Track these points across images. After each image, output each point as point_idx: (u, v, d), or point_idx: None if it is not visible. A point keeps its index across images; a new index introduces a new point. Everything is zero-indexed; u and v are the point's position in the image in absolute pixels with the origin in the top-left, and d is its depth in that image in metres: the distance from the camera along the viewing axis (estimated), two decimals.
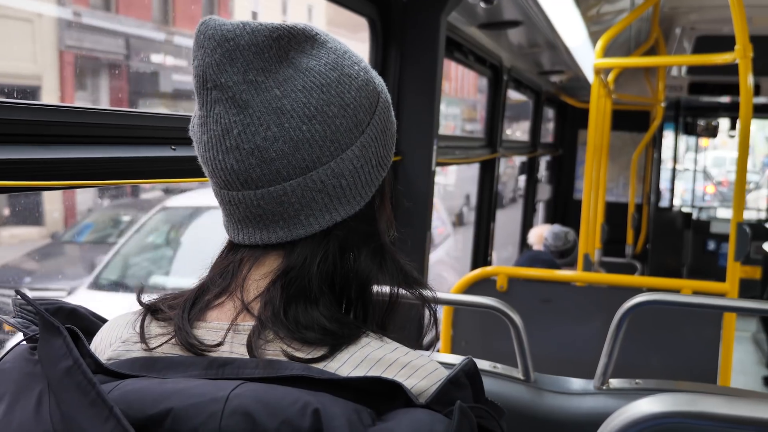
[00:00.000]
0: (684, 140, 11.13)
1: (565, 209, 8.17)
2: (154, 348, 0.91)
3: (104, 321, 1.04)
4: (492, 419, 0.86)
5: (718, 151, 20.04)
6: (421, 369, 0.87)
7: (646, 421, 0.83)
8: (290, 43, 0.92)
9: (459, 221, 14.40)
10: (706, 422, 0.80)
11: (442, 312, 3.03)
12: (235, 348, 0.88)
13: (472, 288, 3.15)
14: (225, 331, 0.90)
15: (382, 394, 0.80)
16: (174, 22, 9.13)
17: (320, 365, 0.85)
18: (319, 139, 0.90)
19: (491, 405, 0.88)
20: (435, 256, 6.89)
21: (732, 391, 1.95)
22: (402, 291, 0.99)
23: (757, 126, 10.67)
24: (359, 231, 0.96)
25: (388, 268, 0.97)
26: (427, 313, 1.01)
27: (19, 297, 0.95)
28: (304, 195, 0.91)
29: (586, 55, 4.69)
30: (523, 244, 6.39)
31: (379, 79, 1.00)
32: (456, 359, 1.84)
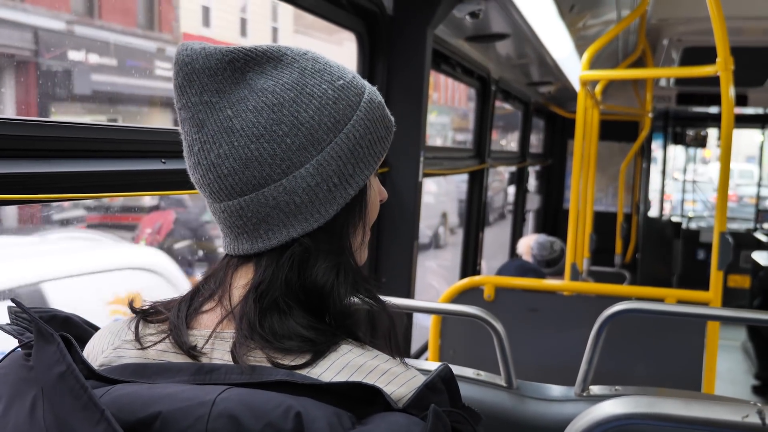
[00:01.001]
0: (684, 151, 11.13)
1: (555, 219, 8.18)
2: (148, 347, 0.94)
3: (97, 329, 1.07)
4: (468, 424, 0.88)
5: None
6: (401, 376, 0.90)
7: (608, 422, 0.86)
8: (247, 64, 0.96)
9: (435, 243, 13.40)
10: (664, 423, 0.83)
11: (430, 321, 3.05)
12: (226, 356, 0.91)
13: (459, 297, 3.17)
14: (207, 338, 0.93)
15: (362, 399, 0.83)
16: (100, 15, 8.25)
17: (303, 371, 0.87)
18: (268, 158, 0.93)
19: (468, 410, 0.90)
20: None
21: (713, 398, 1.98)
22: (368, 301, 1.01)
23: None
24: (321, 246, 0.97)
25: (345, 280, 0.98)
26: (384, 323, 1.01)
27: (14, 305, 0.97)
28: (258, 210, 0.95)
29: (573, 66, 4.72)
30: (513, 254, 6.41)
31: (364, 97, 1.00)
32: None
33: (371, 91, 1.03)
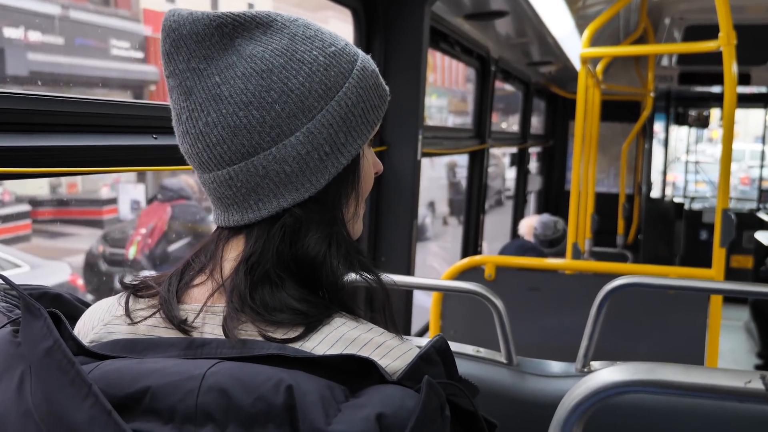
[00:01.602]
0: (688, 131, 11.08)
1: (557, 200, 8.18)
2: (138, 322, 0.93)
3: (88, 305, 1.06)
4: (464, 396, 0.86)
5: (736, 143, 19.21)
6: (396, 349, 0.88)
7: (606, 390, 0.84)
8: (236, 30, 0.94)
9: (421, 234, 12.21)
10: (664, 390, 0.82)
11: (431, 300, 3.05)
12: (217, 329, 0.90)
13: (460, 276, 3.16)
14: (198, 312, 0.92)
15: (355, 372, 0.82)
16: None
17: (296, 345, 0.86)
18: (257, 125, 0.91)
19: (464, 383, 0.89)
20: None
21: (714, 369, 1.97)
22: (364, 275, 0.99)
23: None
24: (313, 217, 0.95)
25: (337, 251, 0.96)
26: (379, 296, 0.99)
27: (2, 282, 0.96)
28: (248, 180, 0.93)
29: (574, 45, 4.69)
30: (514, 235, 6.40)
31: (354, 66, 0.98)
32: None
33: (364, 58, 1.01)
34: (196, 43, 0.93)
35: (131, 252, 6.60)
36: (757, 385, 0.78)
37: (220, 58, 0.93)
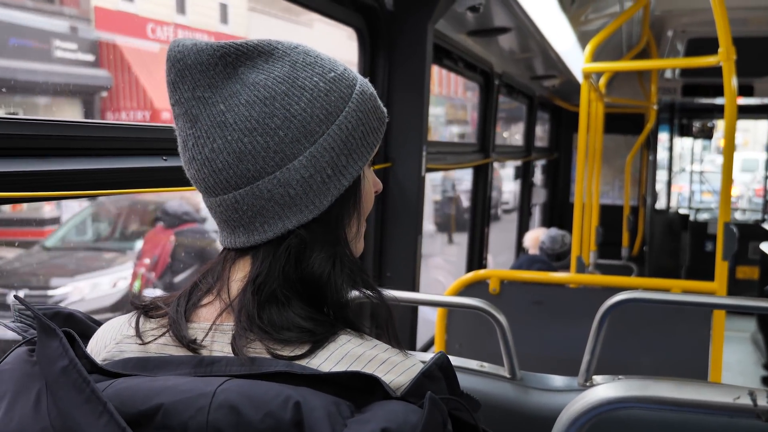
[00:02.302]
0: (692, 142, 11.04)
1: (561, 212, 8.17)
2: (149, 342, 0.96)
3: (99, 324, 1.08)
4: (466, 411, 0.89)
5: (749, 152, 17.87)
6: (400, 365, 0.91)
7: (600, 406, 0.87)
8: (239, 59, 0.97)
9: None
10: (656, 406, 0.84)
11: (436, 315, 3.06)
12: (226, 348, 0.92)
13: (465, 291, 3.16)
14: (207, 331, 0.94)
15: (361, 389, 0.84)
16: None
17: (303, 362, 0.88)
18: (261, 151, 0.94)
19: (466, 398, 0.92)
20: None
21: (711, 384, 1.98)
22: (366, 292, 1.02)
23: None
24: (317, 238, 0.98)
25: (341, 270, 0.98)
26: (382, 313, 1.02)
27: (18, 302, 0.99)
28: (254, 203, 0.96)
29: (577, 59, 4.69)
30: (519, 248, 6.41)
31: (356, 89, 1.01)
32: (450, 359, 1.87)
33: (363, 82, 1.04)
34: (200, 73, 0.96)
35: (135, 286, 6.45)
36: (745, 401, 0.81)
37: (224, 87, 0.96)
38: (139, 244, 7.37)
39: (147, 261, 6.52)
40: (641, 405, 0.85)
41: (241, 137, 0.94)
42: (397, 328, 1.03)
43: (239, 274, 0.99)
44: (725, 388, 0.85)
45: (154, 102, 9.38)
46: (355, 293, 1.01)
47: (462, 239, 5.30)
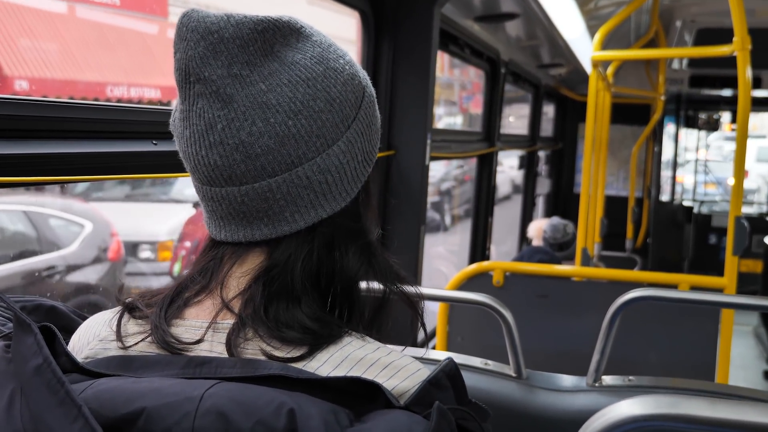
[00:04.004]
0: (701, 134, 11.01)
1: (565, 203, 8.16)
2: (130, 347, 0.90)
3: (84, 318, 1.03)
4: (473, 421, 0.84)
5: (761, 140, 17.02)
6: (403, 369, 0.86)
7: (626, 424, 0.81)
8: (275, 36, 0.91)
9: None
10: (688, 425, 0.78)
11: (438, 308, 3.01)
12: (215, 347, 0.87)
13: (468, 283, 3.14)
14: (205, 329, 0.89)
15: (361, 395, 0.79)
16: None
17: (299, 365, 0.83)
18: (305, 135, 0.89)
19: (474, 406, 0.86)
20: None
21: (727, 389, 1.92)
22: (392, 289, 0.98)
23: None
24: (345, 228, 0.94)
25: (377, 266, 0.96)
26: (415, 313, 0.99)
27: None
28: (289, 191, 0.90)
29: (585, 48, 4.68)
30: (523, 238, 6.37)
31: (363, 74, 0.98)
32: (454, 357, 1.82)
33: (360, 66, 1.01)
34: (239, 48, 0.88)
35: (176, 268, 6.57)
36: None
37: (262, 65, 0.89)
38: None
39: (188, 244, 6.68)
40: (671, 424, 0.79)
41: (285, 120, 0.88)
42: (401, 322, 1.00)
43: (243, 268, 0.92)
44: (764, 407, 0.78)
45: None
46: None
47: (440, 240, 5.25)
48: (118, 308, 0.96)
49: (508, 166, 10.19)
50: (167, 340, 0.87)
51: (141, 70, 6.94)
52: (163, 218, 7.13)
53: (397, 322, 0.98)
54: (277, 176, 0.89)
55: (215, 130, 0.88)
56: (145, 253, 6.65)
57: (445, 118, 15.36)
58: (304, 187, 0.90)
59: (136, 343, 0.90)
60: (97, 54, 6.44)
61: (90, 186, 6.96)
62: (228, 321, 0.88)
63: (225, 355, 0.85)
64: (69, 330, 1.00)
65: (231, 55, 0.88)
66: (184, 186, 7.54)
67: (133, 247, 6.61)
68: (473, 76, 14.67)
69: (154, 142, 1.57)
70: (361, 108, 0.95)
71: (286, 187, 0.89)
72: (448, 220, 12.58)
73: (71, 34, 6.18)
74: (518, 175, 12.98)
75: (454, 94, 15.95)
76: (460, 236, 10.92)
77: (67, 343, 0.95)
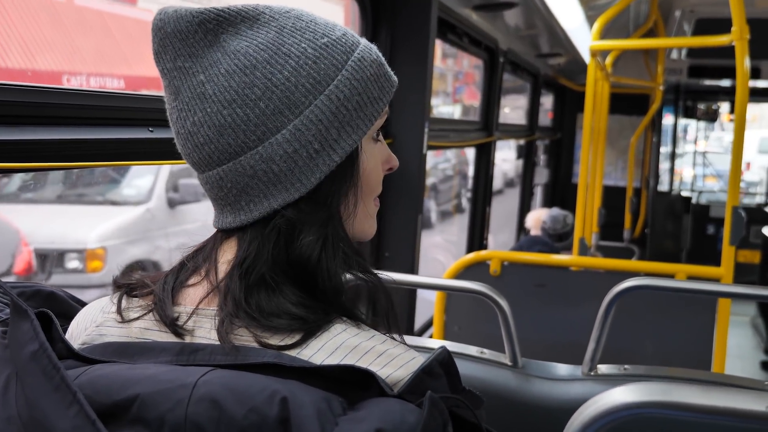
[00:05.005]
0: (699, 124, 10.99)
1: (563, 193, 8.14)
2: (130, 320, 0.91)
3: (83, 304, 1.04)
4: (467, 409, 0.84)
5: (760, 131, 16.76)
6: (398, 358, 0.86)
7: (618, 411, 0.80)
8: (220, 25, 0.91)
9: None
10: (680, 413, 0.78)
11: (435, 297, 3.01)
12: (210, 333, 0.87)
13: (465, 272, 3.13)
14: (190, 315, 0.89)
15: (354, 383, 0.79)
16: None
17: (293, 352, 0.83)
18: (242, 123, 0.89)
19: (468, 394, 0.86)
20: None
21: (723, 378, 1.93)
22: (363, 276, 0.95)
23: None
24: (305, 218, 0.91)
25: (334, 253, 0.92)
26: (381, 300, 0.95)
27: None
28: (237, 180, 0.91)
29: (584, 37, 4.67)
30: (521, 228, 6.37)
31: (354, 55, 0.93)
32: (449, 346, 1.82)
33: (365, 48, 0.96)
34: (180, 41, 0.90)
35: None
36: None
37: (204, 56, 0.90)
38: None
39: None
40: (663, 411, 0.78)
41: (220, 109, 0.89)
42: (396, 313, 0.97)
43: (227, 256, 0.93)
44: (756, 395, 0.78)
45: None
46: (350, 277, 0.94)
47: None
48: (115, 293, 0.96)
49: (501, 159, 9.97)
50: (168, 314, 0.88)
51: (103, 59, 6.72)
52: (94, 222, 6.53)
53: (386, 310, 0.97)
54: (223, 165, 0.90)
55: (172, 120, 0.94)
56: (72, 263, 6.17)
57: (441, 108, 15.12)
58: (250, 177, 0.90)
59: (138, 317, 0.91)
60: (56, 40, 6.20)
61: (21, 185, 6.39)
62: (215, 307, 0.89)
63: (218, 342, 0.85)
64: (68, 316, 1.01)
65: (175, 49, 0.91)
66: (127, 186, 7.17)
67: (58, 257, 6.14)
68: (466, 66, 14.51)
69: (151, 129, 1.56)
70: (324, 93, 0.90)
71: (233, 176, 0.90)
72: (434, 217, 12.04)
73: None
74: (511, 169, 12.75)
75: (448, 85, 15.80)
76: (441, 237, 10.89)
77: (65, 330, 0.96)
